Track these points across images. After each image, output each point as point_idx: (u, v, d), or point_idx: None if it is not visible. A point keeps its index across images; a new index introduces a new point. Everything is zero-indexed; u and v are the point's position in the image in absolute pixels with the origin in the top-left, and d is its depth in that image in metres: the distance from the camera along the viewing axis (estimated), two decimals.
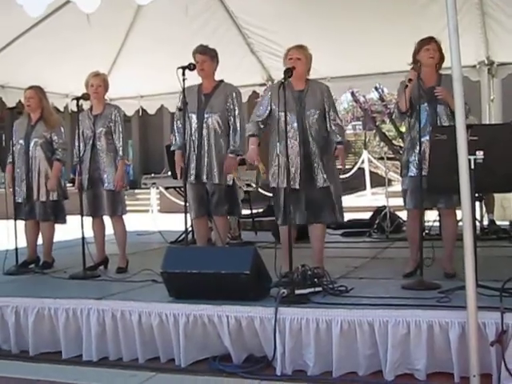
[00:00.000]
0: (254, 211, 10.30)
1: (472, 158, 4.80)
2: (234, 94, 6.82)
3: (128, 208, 7.36)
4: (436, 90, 5.89)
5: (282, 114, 5.63)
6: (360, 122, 27.47)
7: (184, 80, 6.24)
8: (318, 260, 6.21)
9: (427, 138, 5.72)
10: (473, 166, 4.80)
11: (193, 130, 6.69)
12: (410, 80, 5.77)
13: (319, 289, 5.31)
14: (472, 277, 4.23)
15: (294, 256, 5.41)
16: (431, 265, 5.84)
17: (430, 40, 6.04)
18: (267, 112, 6.26)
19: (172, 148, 6.97)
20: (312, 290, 5.25)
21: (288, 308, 4.92)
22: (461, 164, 4.17)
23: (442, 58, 6.04)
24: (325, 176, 6.17)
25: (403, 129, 10.94)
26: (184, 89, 6.33)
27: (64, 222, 7.56)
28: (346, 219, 10.73)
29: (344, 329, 4.75)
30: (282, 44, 6.60)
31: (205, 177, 6.67)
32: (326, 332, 4.80)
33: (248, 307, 5.01)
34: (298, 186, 6.09)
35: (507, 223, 9.33)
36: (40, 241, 7.59)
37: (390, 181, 14.85)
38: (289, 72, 5.72)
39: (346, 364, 4.80)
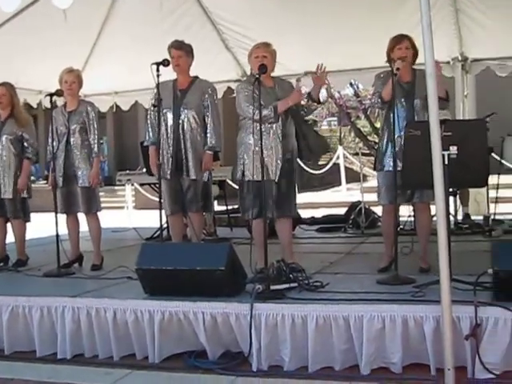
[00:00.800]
0: (230, 207, 10.28)
1: (446, 153, 4.86)
2: (210, 91, 6.82)
3: (103, 205, 7.32)
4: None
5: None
6: (335, 118, 27.48)
7: (158, 76, 6.23)
8: (290, 253, 6.24)
9: (403, 133, 5.72)
10: (446, 162, 4.85)
11: (168, 125, 6.65)
12: (398, 69, 5.76)
13: (294, 284, 5.31)
14: (446, 271, 4.26)
15: (268, 252, 5.42)
16: (409, 254, 5.88)
17: (402, 38, 6.06)
18: None
19: (145, 143, 6.93)
20: (287, 285, 5.26)
21: (263, 304, 4.93)
22: (435, 159, 4.19)
23: (415, 54, 6.05)
24: (296, 170, 6.28)
25: (378, 124, 11.01)
26: (158, 85, 6.32)
27: (29, 220, 7.51)
28: (321, 215, 10.93)
29: (319, 324, 4.76)
30: (257, 40, 6.58)
31: (183, 173, 6.66)
32: (302, 327, 4.81)
33: (223, 303, 5.01)
34: (277, 179, 6.09)
35: (481, 218, 9.40)
36: (9, 239, 7.53)
37: (365, 176, 14.89)
38: (263, 68, 5.73)
39: (321, 359, 4.81)
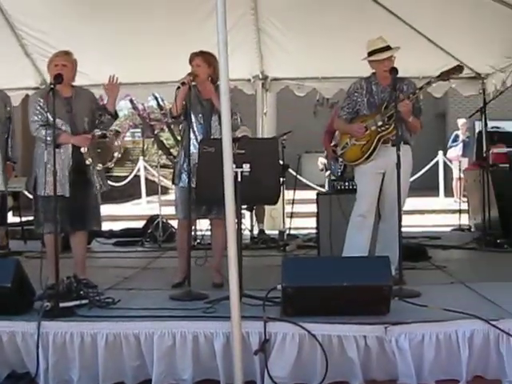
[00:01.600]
0: (24, 219, 9.90)
1: (239, 170, 4.95)
2: (8, 100, 6.75)
3: None
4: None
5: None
6: (139, 130, 27.36)
7: None
8: (82, 269, 6.13)
9: (198, 149, 5.76)
10: (240, 179, 4.94)
11: None
12: (183, 83, 5.82)
13: (85, 301, 5.17)
14: (236, 287, 4.30)
15: (63, 267, 5.29)
16: (202, 267, 5.91)
17: (195, 55, 6.17)
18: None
19: None
20: (78, 302, 5.11)
21: (52, 322, 4.76)
22: (226, 176, 4.23)
23: (215, 69, 6.10)
24: (100, 183, 6.13)
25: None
26: None
27: None
28: (119, 228, 10.78)
29: (109, 342, 4.68)
30: (58, 48, 6.44)
31: None
32: (91, 345, 4.70)
33: (9, 322, 4.78)
34: (67, 194, 5.93)
35: (276, 232, 9.64)
36: None
37: (167, 189, 14.87)
38: (59, 78, 5.60)
39: (112, 375, 4.72)
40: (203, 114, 6.11)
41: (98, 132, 6.13)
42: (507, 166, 9.41)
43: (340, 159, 6.66)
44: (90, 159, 5.99)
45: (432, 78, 6.17)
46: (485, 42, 8.60)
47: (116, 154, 6.39)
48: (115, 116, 6.30)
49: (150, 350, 4.63)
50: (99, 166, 6.09)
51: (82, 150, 5.96)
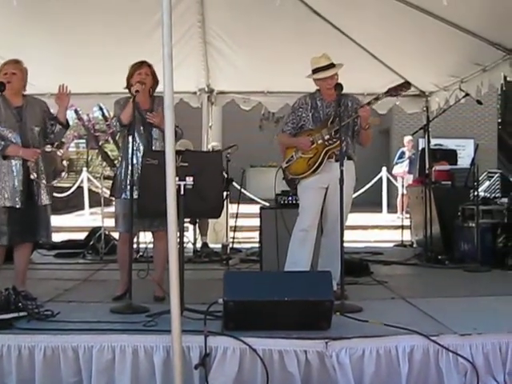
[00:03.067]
0: None
1: (182, 183, 4.92)
2: None
3: None
4: (148, 115, 5.96)
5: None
6: (83, 141, 27.08)
7: None
8: (22, 281, 6.01)
9: (140, 161, 5.73)
10: (182, 192, 4.92)
11: None
12: (136, 91, 5.79)
13: (24, 313, 5.07)
14: (176, 301, 4.25)
15: (3, 278, 5.32)
16: (144, 279, 5.91)
17: (142, 64, 6.15)
18: None
19: None
20: (16, 314, 5.00)
21: None
22: (168, 189, 4.19)
23: (156, 82, 6.11)
24: (43, 198, 6.02)
25: None
26: None
27: None
28: (61, 239, 10.63)
29: (47, 355, 4.59)
30: (4, 57, 6.35)
31: None
32: (29, 359, 4.61)
33: None
34: (18, 205, 5.84)
35: (220, 246, 9.63)
36: None
37: (110, 201, 14.71)
38: (1, 86, 5.51)
39: None
40: (143, 124, 6.07)
41: (48, 148, 6.02)
42: (449, 183, 9.57)
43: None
44: (34, 174, 5.90)
45: (380, 94, 6.21)
46: (429, 60, 8.75)
47: (65, 163, 6.25)
48: (67, 126, 6.22)
49: (89, 363, 4.56)
50: (43, 183, 5.98)
51: (28, 163, 5.88)
